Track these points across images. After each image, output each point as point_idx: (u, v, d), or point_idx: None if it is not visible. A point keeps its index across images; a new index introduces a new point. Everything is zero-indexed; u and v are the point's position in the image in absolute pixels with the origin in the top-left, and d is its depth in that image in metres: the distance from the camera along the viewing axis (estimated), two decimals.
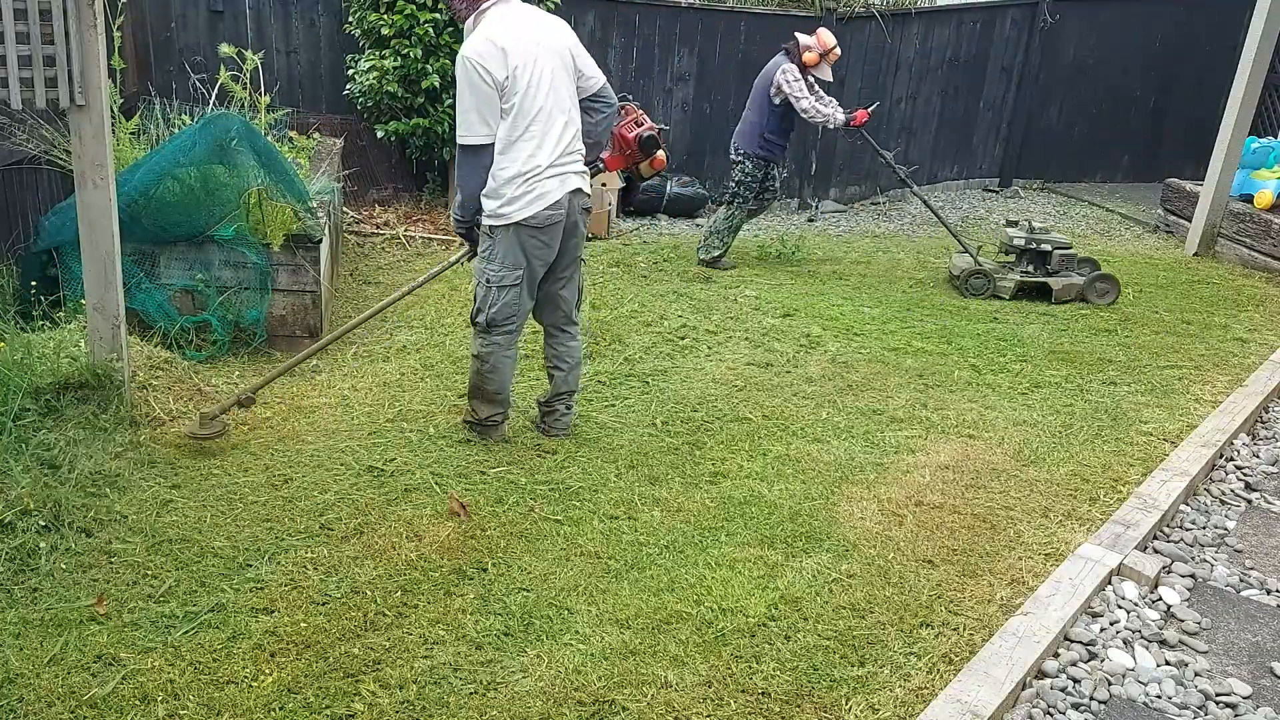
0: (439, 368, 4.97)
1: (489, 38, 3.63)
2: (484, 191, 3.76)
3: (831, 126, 6.97)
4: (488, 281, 3.85)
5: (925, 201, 7.47)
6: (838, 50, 6.92)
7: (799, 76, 6.82)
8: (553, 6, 8.27)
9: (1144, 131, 11.20)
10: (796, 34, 6.97)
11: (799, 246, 7.77)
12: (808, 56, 6.82)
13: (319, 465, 3.87)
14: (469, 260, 4.09)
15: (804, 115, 6.85)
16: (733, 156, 7.19)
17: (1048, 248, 6.81)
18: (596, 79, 3.95)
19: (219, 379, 4.58)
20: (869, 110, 7.09)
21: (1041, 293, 6.80)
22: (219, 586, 3.04)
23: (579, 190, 3.89)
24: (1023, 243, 6.85)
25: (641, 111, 4.63)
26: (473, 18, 3.76)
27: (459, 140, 3.73)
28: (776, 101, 6.90)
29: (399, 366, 4.96)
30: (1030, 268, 6.88)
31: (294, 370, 4.80)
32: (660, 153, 4.66)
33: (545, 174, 3.73)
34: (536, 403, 4.31)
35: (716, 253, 7.20)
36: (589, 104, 3.95)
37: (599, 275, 6.73)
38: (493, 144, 3.70)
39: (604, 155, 4.20)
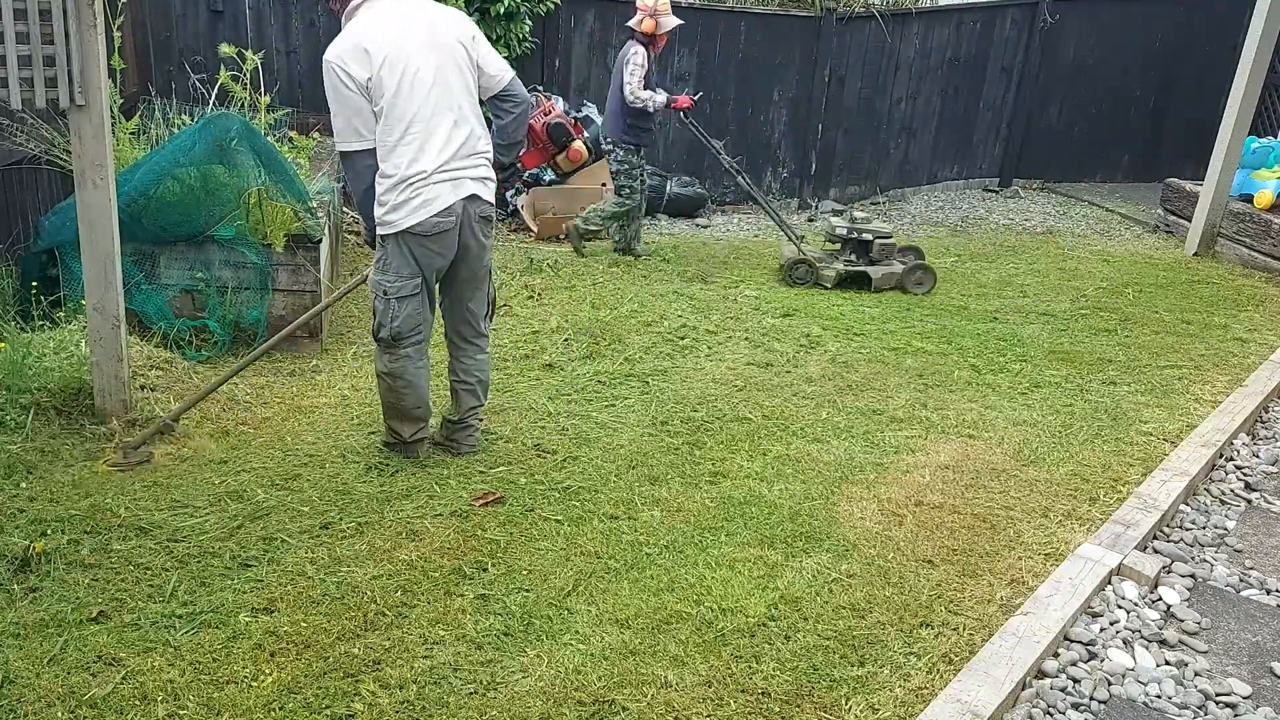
0: (438, 368, 4.97)
1: (353, 37, 3.41)
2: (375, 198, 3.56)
3: (652, 109, 6.80)
4: (385, 293, 3.62)
5: (759, 199, 7.40)
6: (664, 2, 6.76)
7: (641, 62, 6.72)
8: (551, 8, 8.29)
9: (1144, 131, 11.21)
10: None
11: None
12: (646, 25, 6.70)
13: (319, 465, 3.87)
14: None
15: (627, 97, 6.68)
16: (603, 145, 7.12)
17: (869, 237, 6.90)
18: (501, 75, 3.69)
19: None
20: (693, 97, 7.11)
21: (862, 281, 6.88)
22: (219, 586, 3.04)
23: (475, 196, 3.63)
24: (844, 232, 6.94)
25: (555, 101, 4.33)
26: (345, 15, 3.55)
27: (336, 147, 3.56)
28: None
29: None
30: (853, 257, 6.95)
31: (294, 371, 4.80)
32: (577, 143, 4.33)
33: (431, 179, 3.49)
34: (443, 420, 4.03)
35: (593, 229, 7.20)
36: (496, 103, 3.72)
37: (599, 275, 6.73)
38: (371, 149, 3.48)
39: (520, 154, 3.98)
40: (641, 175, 7.08)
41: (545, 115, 4.08)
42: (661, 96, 6.82)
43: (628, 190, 7.03)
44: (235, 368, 4.17)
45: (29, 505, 3.41)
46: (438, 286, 3.81)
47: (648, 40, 6.79)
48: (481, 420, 4.08)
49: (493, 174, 3.73)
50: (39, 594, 2.95)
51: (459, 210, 3.58)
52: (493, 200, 3.75)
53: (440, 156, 3.51)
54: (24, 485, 3.53)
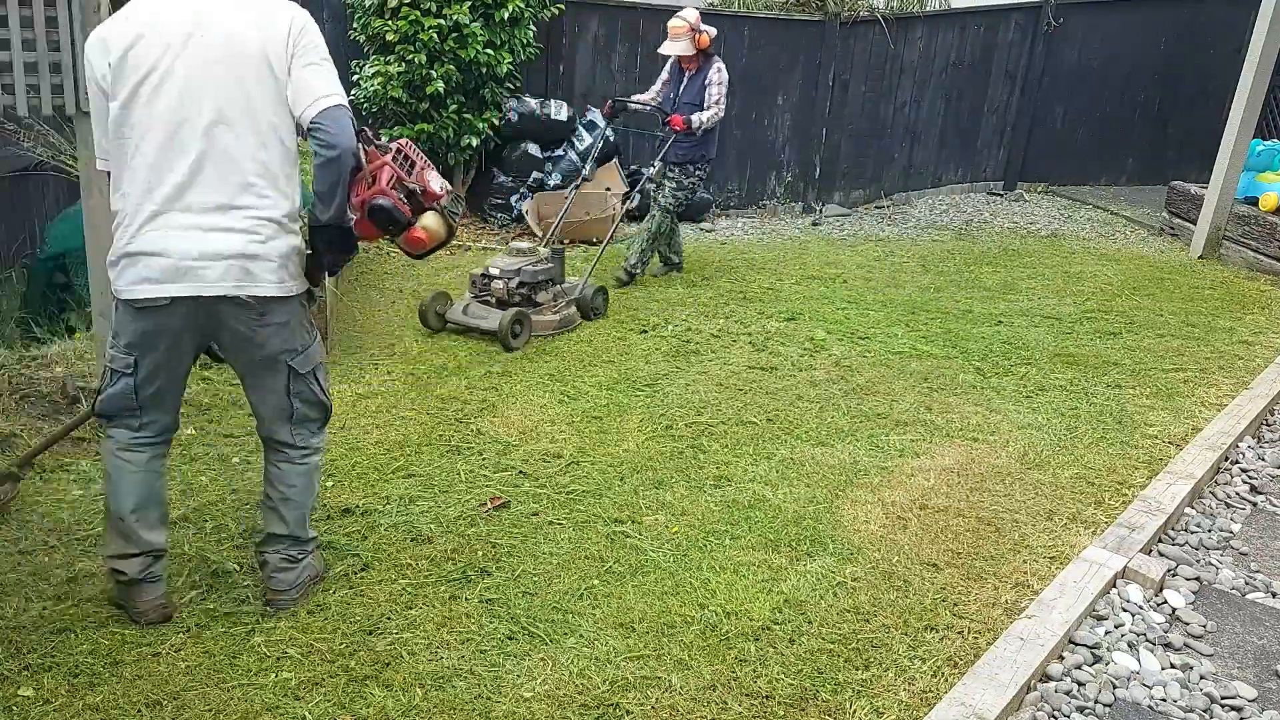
0: (440, 375, 4.98)
1: (109, 20, 2.58)
2: None
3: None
4: (106, 357, 2.73)
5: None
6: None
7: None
8: (556, 13, 8.31)
9: (1149, 135, 11.20)
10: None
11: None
12: (704, 40, 6.42)
13: (320, 467, 3.87)
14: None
15: (716, 115, 6.51)
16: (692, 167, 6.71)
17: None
18: (311, 102, 2.56)
19: (224, 384, 4.59)
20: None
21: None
22: (222, 589, 3.04)
23: (227, 266, 2.54)
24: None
25: (391, 158, 2.73)
26: None
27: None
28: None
29: (403, 371, 4.97)
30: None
31: None
32: (422, 225, 2.77)
33: (151, 226, 2.52)
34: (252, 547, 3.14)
35: (636, 266, 6.80)
36: (308, 137, 2.61)
37: (603, 280, 6.73)
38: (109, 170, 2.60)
39: (353, 218, 2.74)
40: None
41: (367, 188, 2.68)
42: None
43: (674, 205, 6.75)
44: (56, 434, 3.57)
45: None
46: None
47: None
48: (297, 563, 2.96)
49: (276, 242, 2.62)
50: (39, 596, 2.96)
51: (191, 280, 2.54)
52: (264, 275, 2.61)
53: (169, 200, 2.52)
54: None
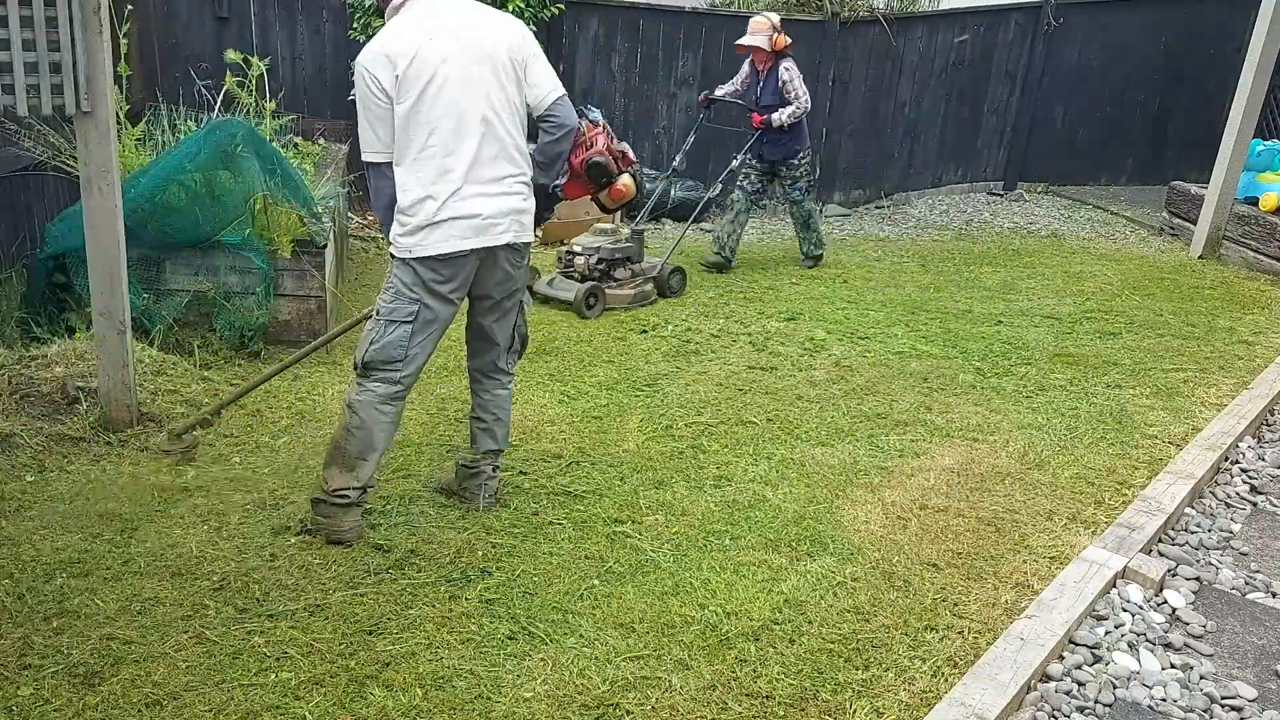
0: (440, 375, 4.98)
1: (382, 37, 3.11)
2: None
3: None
4: (378, 313, 3.26)
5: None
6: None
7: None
8: (555, 13, 8.31)
9: (1149, 134, 11.19)
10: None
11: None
12: (779, 41, 7.02)
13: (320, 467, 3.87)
14: None
15: (805, 108, 7.08)
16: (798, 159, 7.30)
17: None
18: (546, 95, 3.29)
19: (223, 383, 4.59)
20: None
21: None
22: (221, 589, 3.04)
23: (502, 223, 3.23)
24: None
25: (602, 130, 3.69)
26: (388, 10, 3.23)
27: (362, 156, 3.20)
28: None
29: None
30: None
31: (292, 374, 4.81)
32: (622, 181, 3.65)
33: (450, 201, 3.13)
34: (457, 465, 3.70)
35: (725, 255, 7.38)
36: (539, 123, 3.33)
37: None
38: (390, 161, 3.15)
39: (561, 182, 3.56)
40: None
41: (585, 150, 3.58)
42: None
43: (803, 194, 7.35)
44: (276, 369, 4.13)
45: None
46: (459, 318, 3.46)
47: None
48: (498, 471, 3.67)
49: (529, 200, 3.34)
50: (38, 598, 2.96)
51: (480, 238, 3.21)
52: (528, 225, 3.35)
53: (464, 176, 3.14)
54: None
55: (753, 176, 7.31)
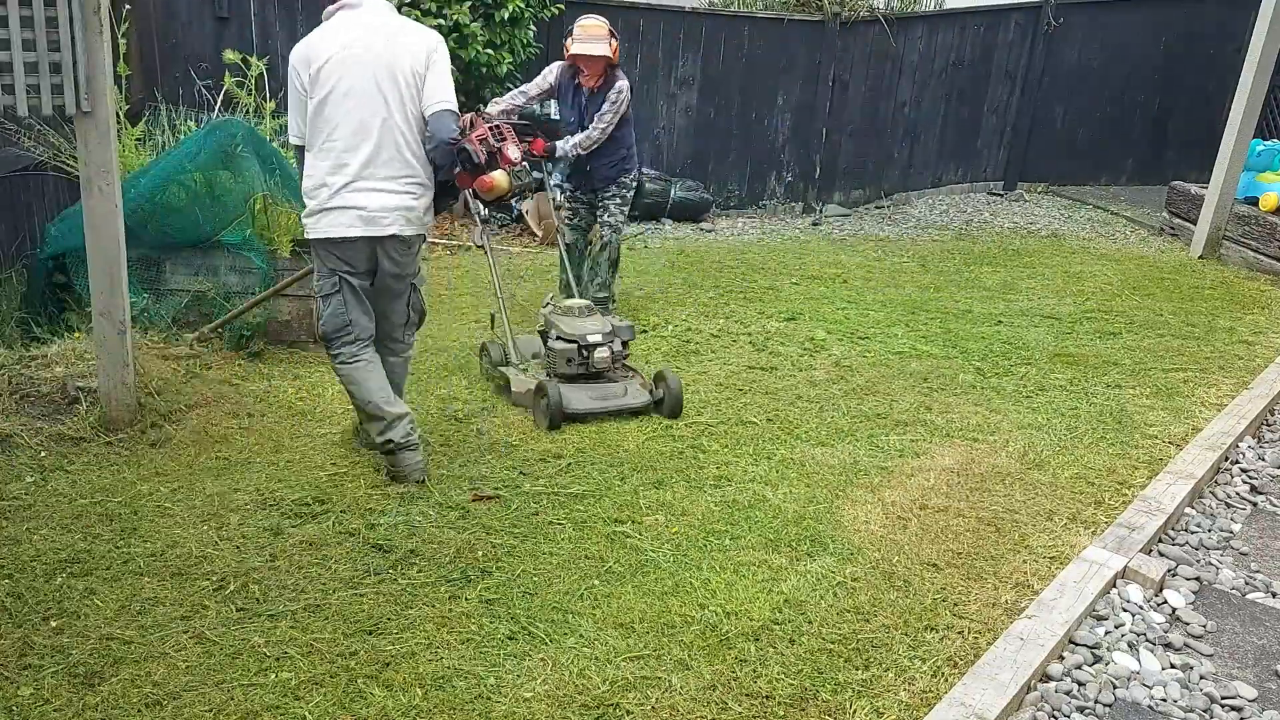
0: (440, 375, 4.98)
1: (311, 38, 3.56)
2: None
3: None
4: (316, 291, 3.79)
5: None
6: (572, 43, 5.44)
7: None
8: (556, 13, 8.31)
9: (1149, 134, 11.20)
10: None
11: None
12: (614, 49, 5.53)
13: (320, 467, 3.87)
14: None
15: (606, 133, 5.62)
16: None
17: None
18: (428, 106, 3.60)
19: (223, 382, 4.59)
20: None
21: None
22: (221, 589, 3.04)
23: (387, 218, 3.57)
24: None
25: (495, 130, 3.81)
26: (324, 14, 3.67)
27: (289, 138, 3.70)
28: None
29: None
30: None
31: (292, 374, 4.81)
32: (492, 175, 3.76)
33: (342, 193, 3.53)
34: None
35: (605, 296, 5.85)
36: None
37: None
38: (303, 146, 3.62)
39: (456, 173, 3.78)
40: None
41: (466, 134, 3.74)
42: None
43: (622, 223, 5.92)
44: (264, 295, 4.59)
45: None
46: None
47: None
48: (417, 438, 3.81)
49: (420, 198, 3.69)
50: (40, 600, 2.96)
51: (367, 228, 3.57)
52: (414, 220, 3.68)
53: (357, 173, 3.52)
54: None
55: (581, 211, 5.92)
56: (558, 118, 7.62)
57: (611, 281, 5.91)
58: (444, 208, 3.99)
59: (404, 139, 3.60)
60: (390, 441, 3.72)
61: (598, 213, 5.86)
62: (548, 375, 4.62)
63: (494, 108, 5.45)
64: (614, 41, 5.45)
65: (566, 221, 5.96)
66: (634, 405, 4.53)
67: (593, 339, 4.61)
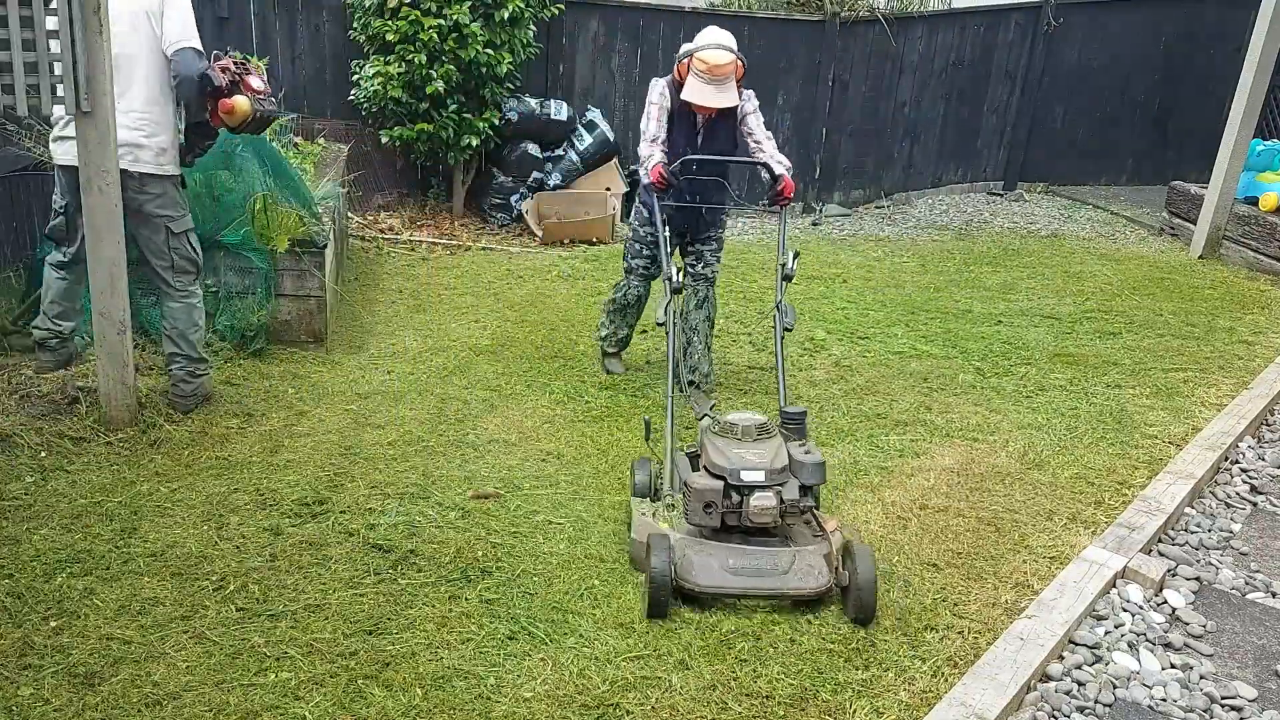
0: (440, 375, 4.98)
1: None
2: None
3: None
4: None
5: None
6: (691, 81, 4.39)
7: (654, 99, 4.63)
8: (556, 13, 8.31)
9: (1148, 134, 11.19)
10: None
11: None
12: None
13: (320, 467, 3.87)
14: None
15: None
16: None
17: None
18: (169, 45, 3.89)
19: (223, 382, 4.59)
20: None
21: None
22: (221, 589, 3.04)
23: (132, 146, 3.87)
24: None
25: (240, 65, 4.06)
26: None
27: None
28: None
29: (403, 371, 4.97)
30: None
31: (292, 374, 4.81)
32: (234, 100, 3.99)
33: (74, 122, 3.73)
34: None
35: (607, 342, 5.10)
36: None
37: (605, 279, 6.73)
38: None
39: (207, 114, 4.09)
40: (645, 252, 4.77)
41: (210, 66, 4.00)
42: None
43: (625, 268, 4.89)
44: None
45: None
46: None
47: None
48: (195, 377, 4.25)
49: (153, 137, 3.94)
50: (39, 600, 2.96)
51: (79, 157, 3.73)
52: (144, 159, 3.94)
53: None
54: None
55: (655, 254, 4.74)
56: (560, 118, 7.57)
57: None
58: (200, 150, 4.22)
59: (147, 77, 3.90)
60: (32, 336, 4.32)
61: (689, 259, 4.75)
62: (689, 523, 3.15)
63: (656, 151, 4.45)
64: (741, 66, 4.43)
65: (640, 271, 4.77)
66: (802, 592, 3.02)
67: (749, 477, 3.08)
